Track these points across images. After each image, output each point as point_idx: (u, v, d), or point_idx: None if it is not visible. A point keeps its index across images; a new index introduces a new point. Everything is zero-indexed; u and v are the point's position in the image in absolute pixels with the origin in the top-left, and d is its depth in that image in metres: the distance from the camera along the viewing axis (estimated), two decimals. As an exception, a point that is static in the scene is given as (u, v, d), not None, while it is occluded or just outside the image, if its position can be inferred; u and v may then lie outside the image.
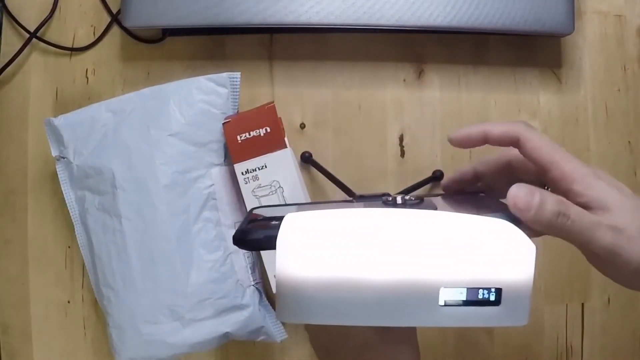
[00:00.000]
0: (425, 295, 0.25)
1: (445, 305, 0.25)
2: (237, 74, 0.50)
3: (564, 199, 0.30)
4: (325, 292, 0.25)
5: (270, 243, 0.28)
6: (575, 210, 0.30)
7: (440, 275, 0.25)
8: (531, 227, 0.30)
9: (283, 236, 0.26)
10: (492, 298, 0.25)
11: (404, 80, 0.56)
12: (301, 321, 0.25)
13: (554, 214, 0.29)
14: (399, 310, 0.25)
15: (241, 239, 0.30)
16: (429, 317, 0.25)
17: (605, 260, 0.31)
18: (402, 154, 0.56)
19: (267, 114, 0.48)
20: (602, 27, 0.57)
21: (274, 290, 0.48)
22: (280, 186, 0.47)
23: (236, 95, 0.51)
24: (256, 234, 0.30)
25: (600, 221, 0.30)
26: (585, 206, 0.31)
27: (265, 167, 0.48)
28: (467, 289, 0.25)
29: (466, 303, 0.25)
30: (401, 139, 0.56)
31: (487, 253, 0.26)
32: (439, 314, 0.25)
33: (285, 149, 0.47)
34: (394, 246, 0.25)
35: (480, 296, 0.25)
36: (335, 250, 0.25)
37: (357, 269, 0.25)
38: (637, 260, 0.30)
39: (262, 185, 0.48)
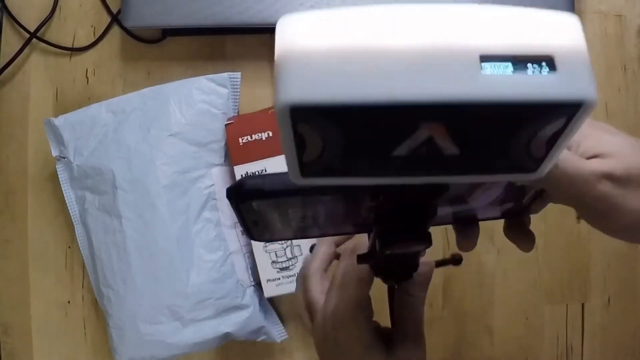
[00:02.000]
0: (465, 61, 0.19)
1: (488, 73, 0.19)
2: (238, 74, 0.50)
3: None
4: (342, 61, 0.19)
5: (265, 184, 0.27)
6: (564, 157, 0.26)
7: (482, 39, 0.20)
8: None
9: (282, 22, 0.20)
10: (545, 65, 0.20)
11: (404, 80, 0.56)
12: (309, 98, 0.18)
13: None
14: (432, 78, 0.19)
15: (235, 188, 0.27)
16: (469, 86, 0.19)
17: (602, 214, 0.28)
18: (402, 154, 0.56)
19: (271, 119, 0.48)
20: (602, 27, 0.57)
21: (265, 294, 0.48)
22: None
23: (237, 95, 0.51)
24: (251, 180, 0.27)
25: (594, 169, 0.27)
26: (581, 156, 0.28)
27: (265, 171, 0.48)
28: (513, 57, 0.20)
29: (515, 69, 0.19)
30: (401, 139, 0.56)
31: (532, 18, 0.21)
32: (481, 81, 0.19)
33: (286, 153, 0.47)
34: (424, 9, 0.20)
35: (529, 61, 0.20)
36: (352, 15, 0.20)
37: (381, 32, 0.20)
38: (637, 211, 0.27)
39: (262, 186, 0.48)
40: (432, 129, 0.20)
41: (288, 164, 0.22)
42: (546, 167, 0.22)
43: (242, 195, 0.27)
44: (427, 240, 0.27)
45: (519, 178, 0.23)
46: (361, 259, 0.32)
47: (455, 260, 0.37)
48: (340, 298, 0.33)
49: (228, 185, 0.50)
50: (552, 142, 0.21)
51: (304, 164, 0.21)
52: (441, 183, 0.24)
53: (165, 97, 0.49)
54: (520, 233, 0.34)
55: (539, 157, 0.21)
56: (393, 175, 0.22)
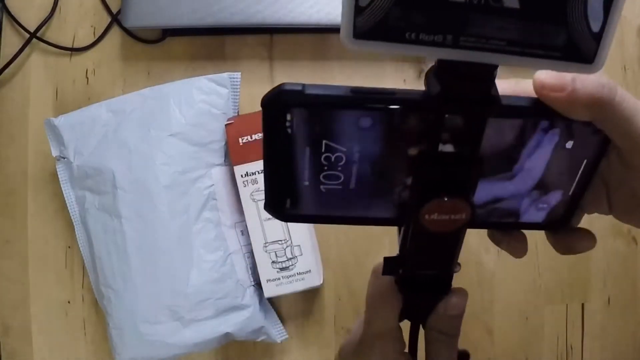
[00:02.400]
0: None
1: None
2: (238, 74, 0.50)
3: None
4: None
5: (308, 87, 0.24)
6: (623, 91, 0.24)
7: None
8: (565, 114, 0.24)
9: None
10: None
11: (404, 80, 0.56)
12: None
13: (596, 87, 0.23)
14: None
15: (275, 90, 0.24)
16: None
17: None
18: (402, 154, 0.56)
19: None
20: (602, 27, 0.57)
21: (265, 294, 0.48)
22: None
23: (237, 95, 0.51)
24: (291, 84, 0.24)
25: None
26: None
27: (265, 171, 0.48)
28: None
29: None
30: (401, 139, 0.56)
31: None
32: None
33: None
34: None
35: None
36: None
37: None
38: None
39: (260, 189, 0.48)
40: None
41: (342, 15, 0.21)
42: (603, 57, 0.21)
43: (281, 96, 0.25)
44: (468, 203, 0.25)
45: (576, 68, 0.21)
46: (389, 263, 0.29)
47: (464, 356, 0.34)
48: (367, 327, 0.31)
49: (228, 186, 0.50)
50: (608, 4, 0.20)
51: (358, 9, 0.20)
52: (494, 64, 0.22)
53: (165, 97, 0.50)
54: (513, 235, 0.31)
55: (596, 32, 0.20)
56: (449, 46, 0.21)
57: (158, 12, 0.51)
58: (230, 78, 0.50)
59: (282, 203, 0.28)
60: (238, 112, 0.52)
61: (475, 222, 0.28)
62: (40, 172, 0.56)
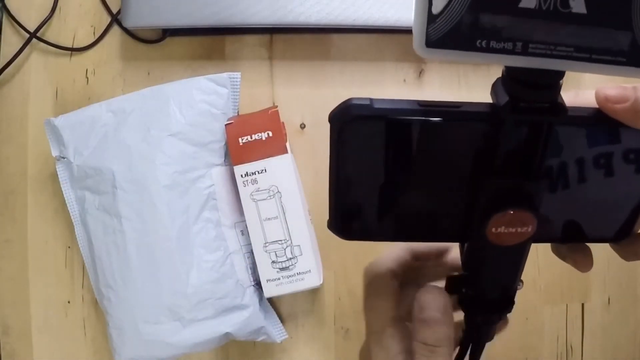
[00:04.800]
0: None
1: None
2: (238, 74, 0.50)
3: None
4: None
5: (375, 101, 0.24)
6: None
7: None
8: (630, 124, 0.24)
9: None
10: None
11: (404, 80, 0.56)
12: None
13: None
14: None
15: (342, 105, 0.24)
16: None
17: None
18: (402, 154, 0.56)
19: (270, 119, 0.48)
20: (602, 27, 0.57)
21: (265, 294, 0.48)
22: (278, 191, 0.47)
23: (237, 95, 0.51)
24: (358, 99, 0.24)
25: None
26: None
27: (265, 171, 0.48)
28: None
29: None
30: (401, 139, 0.56)
31: None
32: None
33: (286, 155, 0.47)
34: None
35: None
36: None
37: None
38: None
39: (260, 189, 0.48)
40: None
41: (415, 24, 0.21)
42: None
43: (350, 111, 0.24)
44: (535, 215, 0.25)
45: (637, 73, 0.22)
46: (452, 282, 0.28)
47: None
48: (366, 329, 0.30)
49: (228, 186, 0.50)
50: None
51: (431, 17, 0.21)
52: (562, 70, 0.23)
53: (165, 97, 0.50)
54: (579, 249, 0.30)
55: None
56: (518, 53, 0.21)
57: (158, 12, 0.51)
58: (230, 78, 0.50)
59: (347, 222, 0.28)
60: (238, 112, 0.52)
61: (541, 236, 0.28)
62: (40, 172, 0.56)
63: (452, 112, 0.25)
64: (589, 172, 0.28)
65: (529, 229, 0.26)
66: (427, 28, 0.21)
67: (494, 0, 0.21)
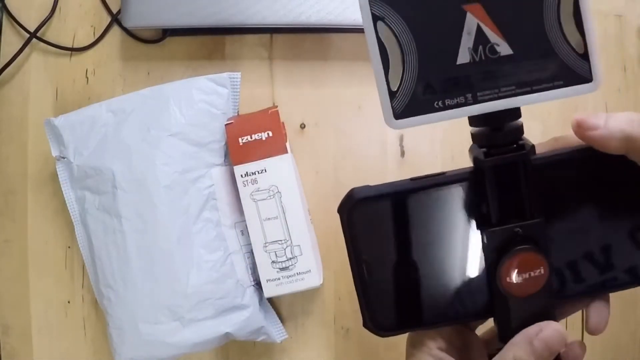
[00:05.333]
0: None
1: None
2: (238, 74, 0.50)
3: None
4: None
5: (373, 187, 0.27)
6: None
7: None
8: (601, 149, 0.26)
9: None
10: None
11: (404, 80, 0.56)
12: None
13: (627, 123, 0.25)
14: None
15: (346, 197, 0.27)
16: None
17: None
18: (402, 154, 0.56)
19: (270, 119, 0.48)
20: (602, 27, 0.57)
21: (265, 294, 0.48)
22: (278, 191, 0.47)
23: (237, 95, 0.51)
24: (358, 188, 0.27)
25: None
26: None
27: (265, 171, 0.47)
28: None
29: None
30: (401, 139, 0.56)
31: None
32: None
33: (286, 155, 0.47)
34: None
35: None
36: None
37: None
38: None
39: (260, 189, 0.48)
40: (473, 11, 0.23)
41: (381, 102, 0.25)
42: (598, 73, 0.24)
43: (353, 196, 0.27)
44: (542, 254, 0.26)
45: (580, 90, 0.25)
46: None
47: None
48: None
49: (228, 186, 0.50)
50: (578, 16, 0.24)
51: (392, 93, 0.24)
52: (513, 107, 0.26)
53: (165, 97, 0.50)
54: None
55: (583, 53, 0.24)
56: (470, 103, 0.25)
57: (158, 12, 0.51)
58: (230, 78, 0.50)
59: (382, 315, 0.30)
60: (238, 112, 0.52)
61: (568, 288, 0.29)
62: (40, 172, 0.56)
63: (438, 179, 0.28)
64: (586, 207, 0.28)
65: (542, 271, 0.27)
66: (391, 103, 0.25)
67: (435, 65, 0.24)
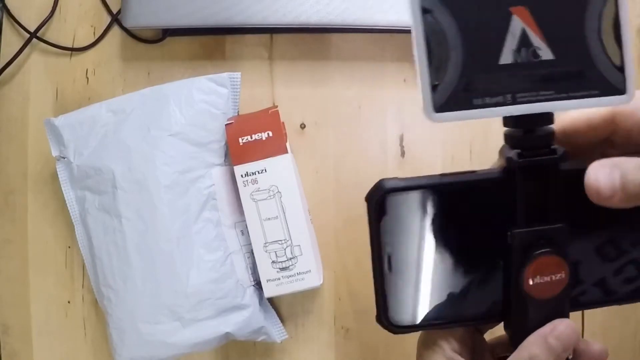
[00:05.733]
0: None
1: None
2: (238, 74, 0.50)
3: None
4: None
5: (402, 180, 0.27)
6: None
7: None
8: (622, 207, 0.26)
9: None
10: None
11: (404, 80, 0.56)
12: None
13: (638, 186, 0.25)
14: None
15: (375, 186, 0.28)
16: None
17: None
18: (402, 154, 0.56)
19: (270, 119, 0.48)
20: (602, 27, 0.57)
21: (265, 294, 0.48)
22: (278, 191, 0.47)
23: (237, 95, 0.51)
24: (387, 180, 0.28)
25: None
26: None
27: (265, 171, 0.47)
28: None
29: None
30: (401, 139, 0.56)
31: None
32: None
33: (286, 155, 0.47)
34: None
35: None
36: None
37: None
38: None
39: (260, 189, 0.48)
40: (519, 14, 0.24)
41: (422, 94, 0.25)
42: (631, 87, 0.25)
43: (383, 186, 0.28)
44: (564, 258, 0.27)
45: (613, 101, 0.25)
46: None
47: None
48: None
49: (228, 186, 0.50)
50: (618, 29, 0.25)
51: (433, 87, 0.25)
52: (549, 111, 0.26)
53: (165, 97, 0.50)
54: None
55: (619, 66, 0.25)
56: (509, 104, 0.25)
57: (158, 12, 0.51)
58: (230, 78, 0.50)
59: (395, 310, 0.30)
60: (238, 112, 0.52)
61: (590, 296, 0.30)
62: (40, 172, 0.56)
63: (469, 176, 0.28)
64: (610, 219, 0.29)
65: (563, 276, 0.27)
66: (432, 96, 0.25)
67: (479, 63, 0.25)
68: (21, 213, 0.56)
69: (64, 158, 0.51)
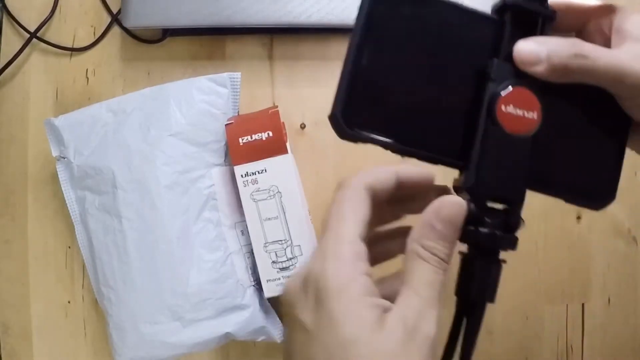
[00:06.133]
0: None
1: None
2: (238, 74, 0.50)
3: (577, 39, 0.28)
4: None
5: None
6: (591, 48, 0.27)
7: None
8: (550, 80, 0.28)
9: None
10: None
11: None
12: None
13: (568, 57, 0.27)
14: None
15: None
16: None
17: None
18: (402, 154, 0.56)
19: (270, 119, 0.48)
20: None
21: (265, 294, 0.48)
22: (278, 191, 0.47)
23: (237, 95, 0.51)
24: None
25: (630, 50, 0.27)
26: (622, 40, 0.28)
27: (265, 171, 0.47)
28: None
29: None
30: (401, 139, 0.56)
31: None
32: None
33: (286, 155, 0.47)
34: None
35: None
36: None
37: None
38: None
39: (260, 189, 0.48)
40: None
41: None
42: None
43: None
44: (538, 99, 0.28)
45: None
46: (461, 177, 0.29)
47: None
48: (322, 243, 0.28)
49: (228, 186, 0.50)
50: None
51: None
52: None
53: (165, 97, 0.50)
54: None
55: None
56: None
57: (158, 12, 0.51)
58: (230, 78, 0.50)
59: (355, 110, 0.28)
60: (238, 112, 0.52)
61: (541, 177, 0.29)
62: (40, 172, 0.56)
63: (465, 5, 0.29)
64: (581, 109, 0.30)
65: (535, 117, 0.28)
66: None
67: None
68: (21, 213, 0.56)
69: (64, 158, 0.51)
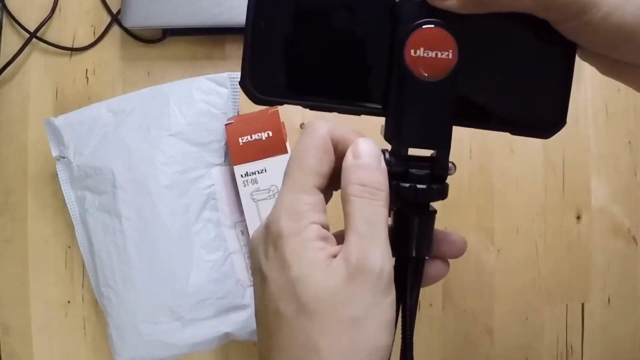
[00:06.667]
0: None
1: None
2: (238, 74, 0.50)
3: None
4: None
5: None
6: None
7: None
8: (467, 12, 0.25)
9: None
10: None
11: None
12: None
13: None
14: None
15: None
16: None
17: (577, 18, 0.25)
18: (402, 154, 0.56)
19: (270, 118, 0.48)
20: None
21: None
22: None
23: (236, 95, 0.51)
24: None
25: None
26: None
27: (265, 171, 0.48)
28: None
29: None
30: (401, 139, 0.56)
31: None
32: None
33: (286, 154, 0.47)
34: None
35: None
36: None
37: None
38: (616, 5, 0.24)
39: (260, 189, 0.48)
40: None
41: None
42: None
43: None
44: (453, 36, 0.25)
45: None
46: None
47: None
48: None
49: (228, 186, 0.50)
50: None
51: None
52: None
53: (165, 97, 0.50)
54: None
55: None
56: None
57: (158, 12, 0.51)
58: (230, 78, 0.50)
59: (263, 76, 0.27)
60: (238, 112, 0.52)
61: (469, 113, 0.27)
62: (40, 172, 0.56)
63: None
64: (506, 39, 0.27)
65: (450, 55, 0.25)
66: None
67: None
68: (21, 213, 0.56)
69: (64, 158, 0.51)
